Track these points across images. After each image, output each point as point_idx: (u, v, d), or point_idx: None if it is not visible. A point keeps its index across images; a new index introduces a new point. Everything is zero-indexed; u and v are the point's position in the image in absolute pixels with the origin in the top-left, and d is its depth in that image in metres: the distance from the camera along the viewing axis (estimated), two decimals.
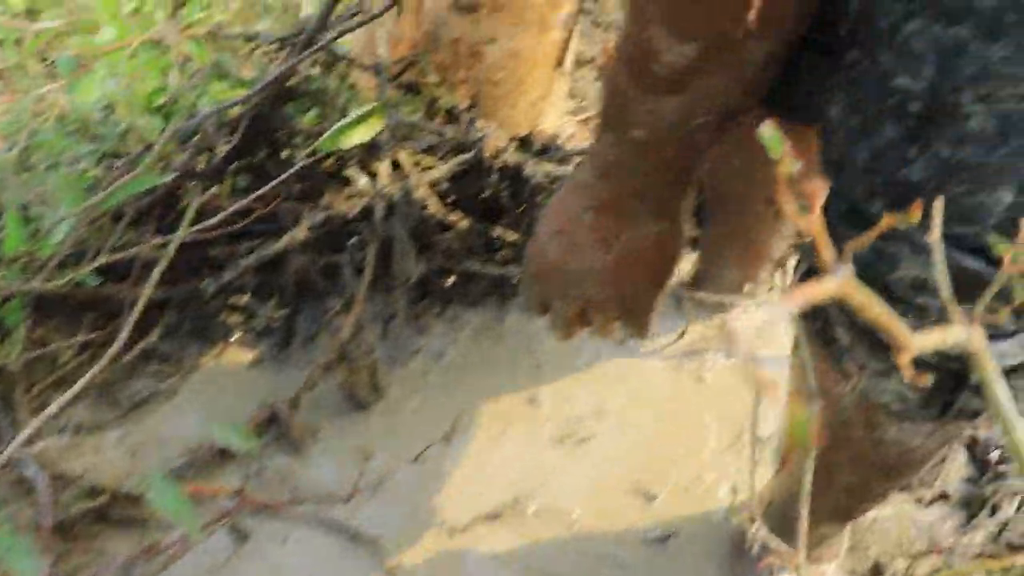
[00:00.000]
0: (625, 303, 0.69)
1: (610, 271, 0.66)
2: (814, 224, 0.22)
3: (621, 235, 0.65)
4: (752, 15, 0.49)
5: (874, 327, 0.55)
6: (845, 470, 0.70)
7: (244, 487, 0.94)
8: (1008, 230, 0.45)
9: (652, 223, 0.65)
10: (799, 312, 0.67)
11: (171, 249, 0.96)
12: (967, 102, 0.43)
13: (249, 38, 1.23)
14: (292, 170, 1.00)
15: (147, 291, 0.97)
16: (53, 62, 1.46)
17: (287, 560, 0.89)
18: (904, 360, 0.22)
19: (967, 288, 0.46)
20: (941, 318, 0.50)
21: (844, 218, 0.52)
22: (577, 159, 1.11)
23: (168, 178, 1.06)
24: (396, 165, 1.08)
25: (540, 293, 0.72)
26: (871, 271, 0.51)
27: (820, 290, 0.20)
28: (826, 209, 0.58)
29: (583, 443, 0.98)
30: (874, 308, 0.21)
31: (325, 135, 0.99)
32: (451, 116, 1.11)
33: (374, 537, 0.90)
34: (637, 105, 0.57)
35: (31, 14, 1.55)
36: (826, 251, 0.21)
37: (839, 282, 0.20)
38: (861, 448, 0.65)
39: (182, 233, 0.97)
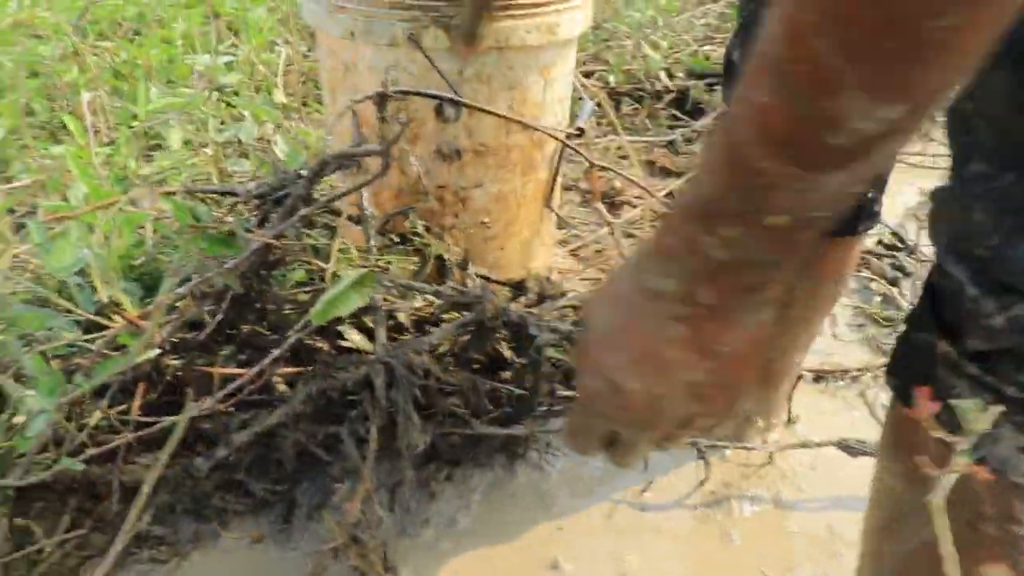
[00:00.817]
0: (727, 407, 0.61)
1: (712, 381, 0.57)
2: None
3: (723, 338, 0.56)
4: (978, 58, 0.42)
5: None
6: None
7: None
8: None
9: (759, 314, 0.56)
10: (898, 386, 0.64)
11: (168, 449, 0.91)
12: None
13: (226, 192, 1.19)
14: (286, 345, 0.95)
15: (144, 494, 0.93)
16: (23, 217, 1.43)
17: None
18: None
19: None
20: None
21: (992, 292, 0.54)
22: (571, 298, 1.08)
23: (152, 354, 1.02)
24: (392, 318, 1.04)
25: (611, 431, 0.62)
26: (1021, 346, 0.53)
27: None
28: (951, 288, 0.58)
29: None
30: None
31: (317, 306, 0.95)
32: (442, 265, 1.08)
33: None
34: (785, 187, 0.47)
35: None
36: None
37: None
38: (992, 553, 0.57)
39: (179, 431, 0.93)
